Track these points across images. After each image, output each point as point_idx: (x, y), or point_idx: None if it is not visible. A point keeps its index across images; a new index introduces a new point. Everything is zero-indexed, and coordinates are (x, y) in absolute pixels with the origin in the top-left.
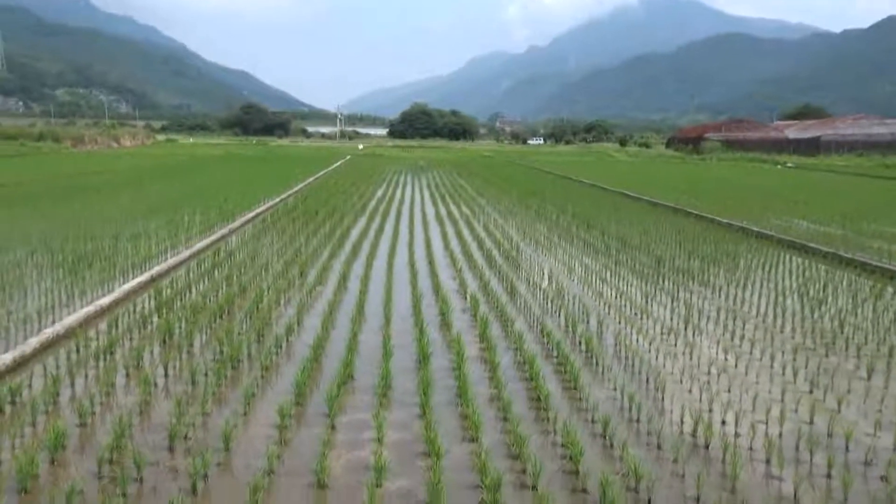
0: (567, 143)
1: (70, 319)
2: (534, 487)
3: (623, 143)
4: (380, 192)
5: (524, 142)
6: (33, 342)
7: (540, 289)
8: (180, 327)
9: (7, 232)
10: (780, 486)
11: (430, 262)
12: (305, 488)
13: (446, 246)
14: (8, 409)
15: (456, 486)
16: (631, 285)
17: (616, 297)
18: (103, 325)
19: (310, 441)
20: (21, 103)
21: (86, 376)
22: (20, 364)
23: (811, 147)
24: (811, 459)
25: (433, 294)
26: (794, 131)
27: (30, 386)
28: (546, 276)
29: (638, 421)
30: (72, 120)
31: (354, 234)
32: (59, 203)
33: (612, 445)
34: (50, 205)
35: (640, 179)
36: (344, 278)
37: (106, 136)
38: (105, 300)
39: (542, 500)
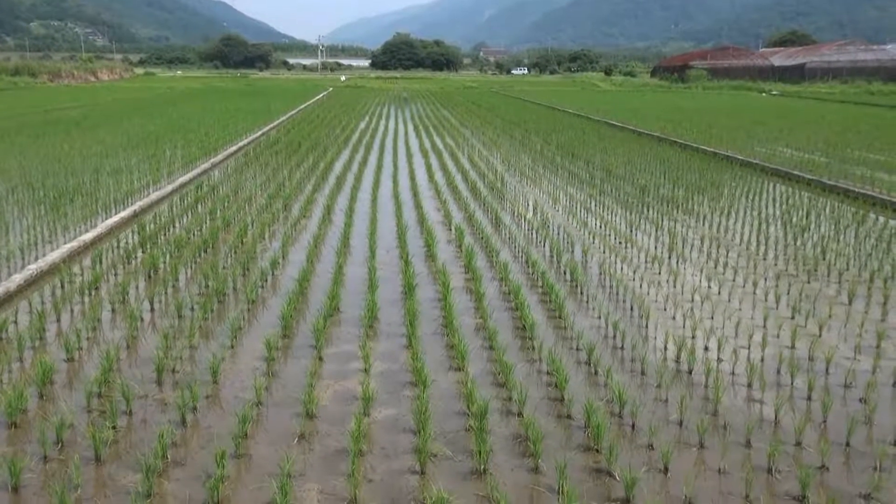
0: (552, 72)
1: (54, 255)
2: (519, 414)
3: (608, 72)
4: (363, 125)
5: (508, 72)
6: (17, 279)
7: (525, 219)
8: (165, 262)
9: None
10: (761, 409)
11: (415, 195)
12: (293, 418)
13: (431, 178)
14: None
15: (443, 414)
16: (615, 215)
17: (601, 227)
18: (87, 261)
19: (297, 373)
20: None
21: (71, 312)
22: (5, 300)
23: (796, 74)
24: (792, 383)
25: (418, 226)
26: (779, 58)
27: (15, 322)
28: (531, 207)
29: (622, 348)
30: (47, 54)
31: (338, 166)
32: (38, 138)
33: (596, 372)
34: (29, 140)
35: (624, 109)
36: (328, 211)
37: (83, 70)
38: (88, 236)
39: (528, 427)
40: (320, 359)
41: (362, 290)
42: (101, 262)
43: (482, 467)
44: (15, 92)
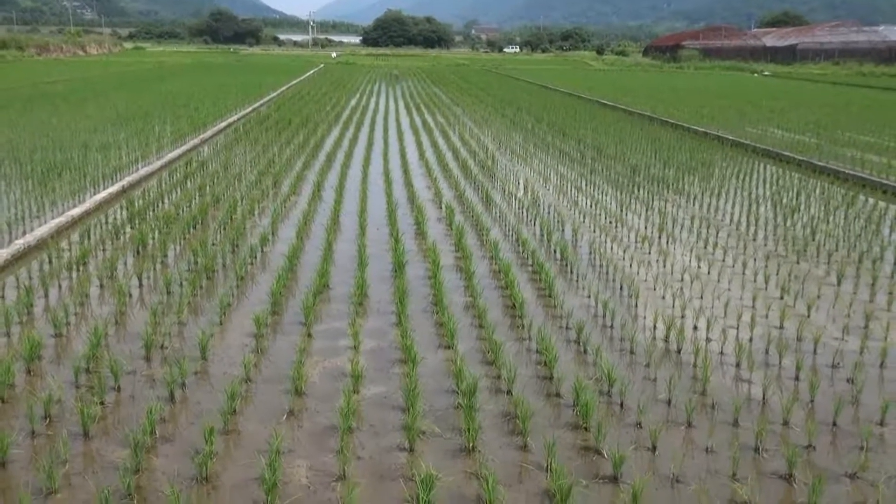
0: (543, 51)
1: (41, 230)
2: (508, 392)
3: (600, 51)
4: (353, 101)
5: (500, 50)
6: (4, 253)
7: (515, 198)
8: (153, 238)
9: None
10: (749, 389)
11: (405, 172)
12: (283, 395)
13: (421, 156)
14: None
15: (432, 392)
16: (606, 194)
17: (591, 206)
18: (75, 236)
19: (286, 349)
20: None
21: (59, 287)
22: None
23: (788, 55)
24: (780, 363)
25: (408, 203)
26: (771, 39)
27: (2, 297)
28: (521, 186)
29: (612, 327)
30: (35, 27)
31: (328, 143)
32: (25, 112)
33: (585, 351)
34: (16, 114)
35: (616, 88)
36: (318, 188)
37: (71, 43)
38: (76, 211)
39: (517, 405)
40: (309, 336)
41: (352, 268)
42: (88, 238)
43: (471, 445)
44: (2, 66)
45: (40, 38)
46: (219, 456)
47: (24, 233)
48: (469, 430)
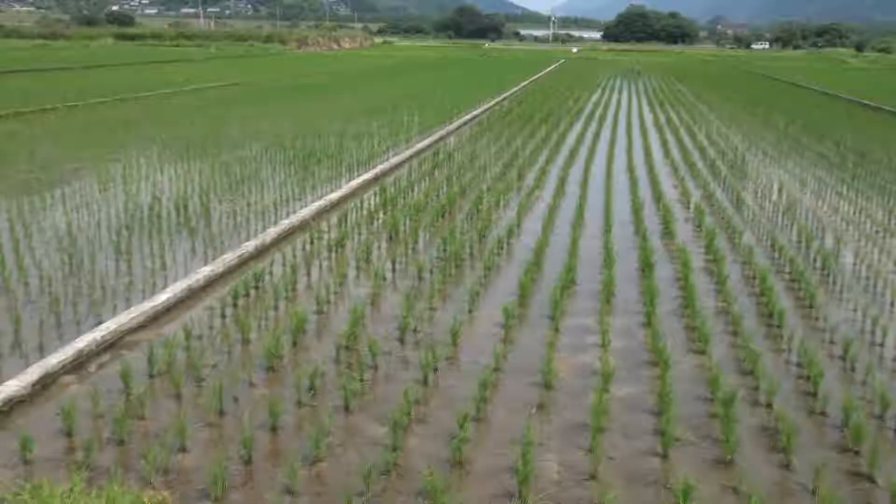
0: (795, 48)
1: (303, 212)
2: (768, 405)
3: (859, 48)
4: (595, 97)
5: (747, 46)
6: (272, 232)
7: (769, 201)
8: (405, 224)
9: (243, 128)
10: None
11: (650, 170)
12: (532, 387)
13: (666, 154)
14: (252, 292)
15: (685, 398)
16: (871, 201)
17: (855, 214)
18: (334, 219)
19: (534, 342)
20: (250, 6)
21: (320, 266)
22: (261, 252)
23: None
24: None
25: (654, 202)
26: None
27: (270, 273)
28: (775, 188)
29: (882, 345)
30: (295, 22)
31: (571, 138)
32: (287, 101)
33: (853, 369)
34: (279, 103)
35: (879, 88)
36: (562, 182)
37: (327, 38)
38: (334, 195)
39: (779, 419)
40: (557, 330)
41: (597, 264)
42: (346, 221)
43: (729, 457)
44: (266, 58)
45: (299, 33)
46: (471, 442)
47: (288, 214)
48: (728, 441)
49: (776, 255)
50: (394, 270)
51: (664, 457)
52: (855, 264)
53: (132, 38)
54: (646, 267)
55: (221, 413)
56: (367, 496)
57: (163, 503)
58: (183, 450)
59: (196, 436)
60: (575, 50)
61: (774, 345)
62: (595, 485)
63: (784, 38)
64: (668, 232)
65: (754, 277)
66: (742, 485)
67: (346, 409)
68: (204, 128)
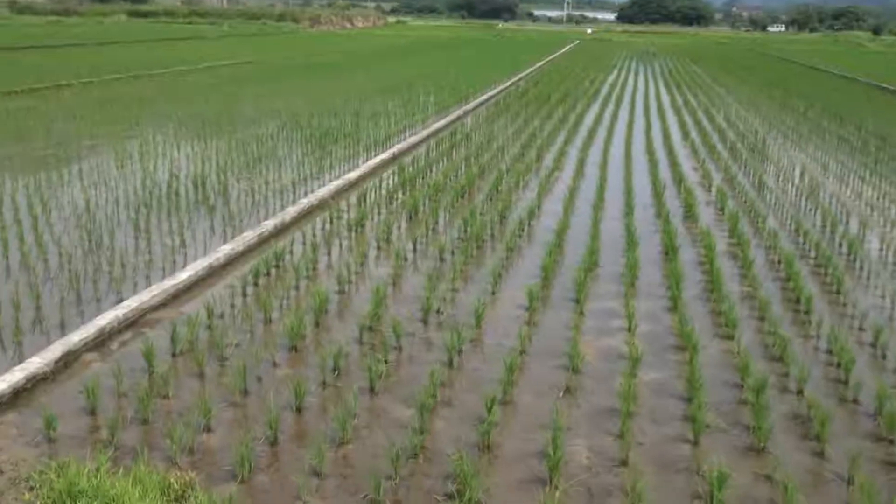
0: (811, 30)
1: (322, 191)
2: (799, 392)
3: (877, 31)
4: (611, 78)
5: (763, 29)
6: (291, 211)
7: (792, 184)
8: (424, 205)
9: (258, 106)
10: None
11: (670, 152)
12: (558, 371)
13: (685, 136)
14: (273, 271)
15: (713, 383)
16: None
17: (879, 199)
18: (353, 199)
19: (559, 325)
20: None
21: (340, 246)
22: (281, 230)
23: None
24: None
25: (674, 184)
26: None
27: (290, 252)
28: (797, 172)
29: None
30: (308, 0)
31: (588, 119)
32: (301, 80)
33: (884, 357)
34: (293, 81)
35: None
36: (581, 164)
37: (340, 16)
38: (353, 175)
39: (811, 407)
40: (581, 313)
41: (620, 247)
42: (365, 201)
43: (761, 445)
44: (279, 37)
45: (312, 11)
46: (498, 426)
47: (306, 193)
48: (759, 428)
49: (801, 239)
50: (415, 251)
51: (695, 443)
52: (881, 250)
53: (145, 15)
54: (669, 250)
55: (245, 393)
56: (396, 480)
57: (189, 484)
58: (208, 429)
59: (220, 415)
60: (589, 31)
61: (802, 330)
62: (626, 471)
63: (800, 21)
64: (690, 215)
65: (779, 262)
66: (776, 473)
67: (371, 390)
68: (219, 105)
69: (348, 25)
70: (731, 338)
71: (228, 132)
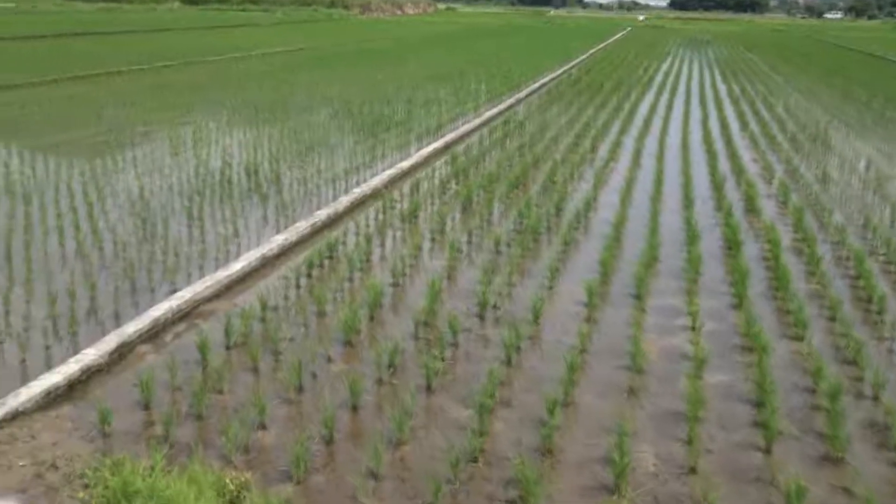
0: (870, 17)
1: (374, 181)
2: (875, 398)
3: None
4: (665, 66)
5: (819, 16)
6: (344, 200)
7: (858, 177)
8: (478, 196)
9: (310, 93)
10: None
11: (728, 142)
12: (620, 371)
13: (744, 126)
14: (326, 263)
15: (783, 387)
16: None
17: None
18: (406, 188)
19: (619, 323)
20: None
21: (394, 237)
22: (334, 220)
23: None
24: None
25: (734, 176)
26: None
27: (344, 243)
28: (863, 164)
29: None
30: None
31: (643, 109)
32: (352, 67)
33: None
34: (344, 68)
35: None
36: (637, 154)
37: (390, 3)
38: (405, 164)
39: (889, 414)
40: (642, 310)
41: (679, 241)
42: (417, 191)
43: (838, 455)
44: (330, 24)
45: None
46: (560, 429)
47: (358, 182)
48: (836, 437)
49: (869, 235)
50: (469, 243)
51: (767, 451)
52: None
53: (198, 2)
54: (732, 245)
55: (300, 389)
56: (455, 484)
57: (245, 485)
58: (262, 427)
59: (275, 412)
60: (641, 18)
61: (876, 332)
62: (696, 479)
63: (858, 8)
64: (752, 208)
65: (848, 259)
66: (855, 486)
67: (428, 388)
68: (271, 92)
69: (398, 12)
70: (800, 339)
71: (281, 119)
